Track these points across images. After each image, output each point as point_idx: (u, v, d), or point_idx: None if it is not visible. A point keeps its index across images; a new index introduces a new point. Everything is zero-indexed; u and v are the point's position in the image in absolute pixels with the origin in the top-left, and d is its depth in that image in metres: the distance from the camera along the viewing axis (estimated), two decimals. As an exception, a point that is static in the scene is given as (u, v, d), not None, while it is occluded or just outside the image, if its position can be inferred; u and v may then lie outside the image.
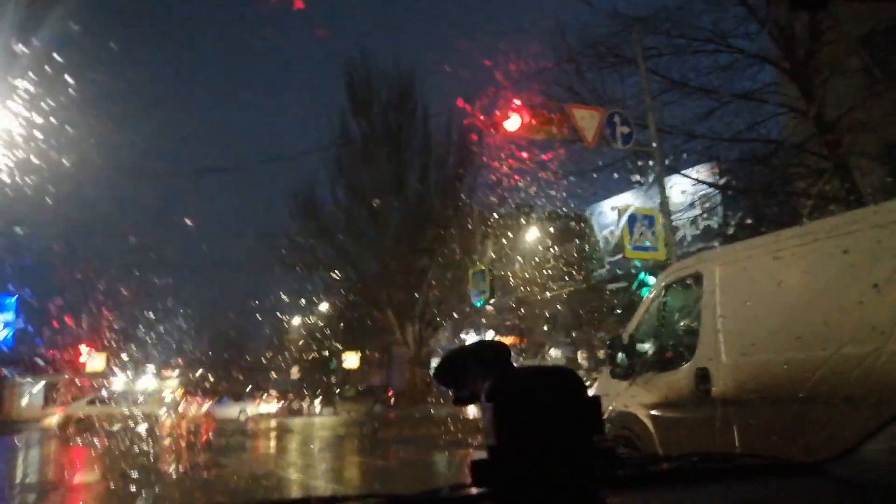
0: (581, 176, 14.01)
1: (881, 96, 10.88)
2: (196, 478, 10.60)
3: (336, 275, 32.60)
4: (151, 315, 30.42)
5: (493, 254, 26.02)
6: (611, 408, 5.52)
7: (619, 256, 17.88)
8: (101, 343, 35.15)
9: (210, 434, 22.02)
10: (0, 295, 34.97)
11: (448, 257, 29.01)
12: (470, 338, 30.36)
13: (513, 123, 11.34)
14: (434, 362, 25.52)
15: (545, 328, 31.72)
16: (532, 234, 27.18)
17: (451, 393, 1.09)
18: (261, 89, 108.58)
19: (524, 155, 12.61)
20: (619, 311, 21.12)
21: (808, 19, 10.90)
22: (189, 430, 23.01)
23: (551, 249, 26.04)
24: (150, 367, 44.11)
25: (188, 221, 40.89)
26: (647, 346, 5.69)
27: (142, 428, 19.99)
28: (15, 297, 35.11)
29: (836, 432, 2.81)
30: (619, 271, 22.91)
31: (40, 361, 31.19)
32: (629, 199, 15.30)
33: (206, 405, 33.79)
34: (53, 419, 24.35)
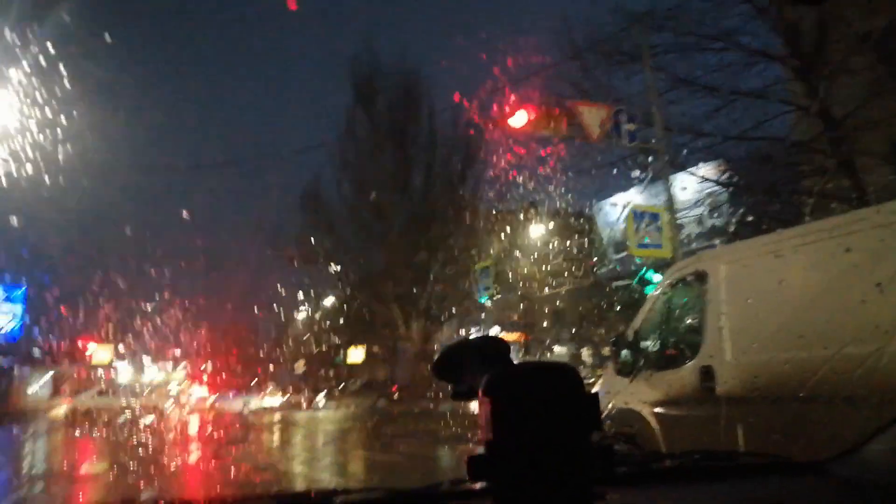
0: (585, 173, 14.00)
1: (888, 94, 10.82)
2: (199, 469, 10.65)
3: (341, 269, 32.68)
4: (156, 308, 30.52)
5: (497, 250, 25.99)
6: (611, 404, 5.53)
7: (625, 254, 17.79)
8: (106, 335, 35.29)
9: (213, 427, 22.13)
10: (8, 286, 35.08)
11: (453, 253, 29.02)
12: (474, 333, 30.31)
13: (518, 120, 11.32)
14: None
15: (548, 324, 31.66)
16: (537, 231, 27.12)
17: (449, 387, 1.10)
18: (264, 87, 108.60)
19: (529, 150, 12.60)
20: (622, 308, 21.07)
21: (814, 17, 10.84)
22: (193, 423, 23.11)
23: (555, 246, 25.97)
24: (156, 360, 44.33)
25: (185, 214, 41.09)
26: (651, 344, 5.70)
27: (147, 420, 20.10)
28: (23, 288, 35.23)
29: (837, 432, 2.81)
30: (617, 268, 22.86)
31: (47, 353, 31.36)
32: (634, 197, 15.22)
33: (211, 398, 33.95)
34: (60, 410, 24.55)
